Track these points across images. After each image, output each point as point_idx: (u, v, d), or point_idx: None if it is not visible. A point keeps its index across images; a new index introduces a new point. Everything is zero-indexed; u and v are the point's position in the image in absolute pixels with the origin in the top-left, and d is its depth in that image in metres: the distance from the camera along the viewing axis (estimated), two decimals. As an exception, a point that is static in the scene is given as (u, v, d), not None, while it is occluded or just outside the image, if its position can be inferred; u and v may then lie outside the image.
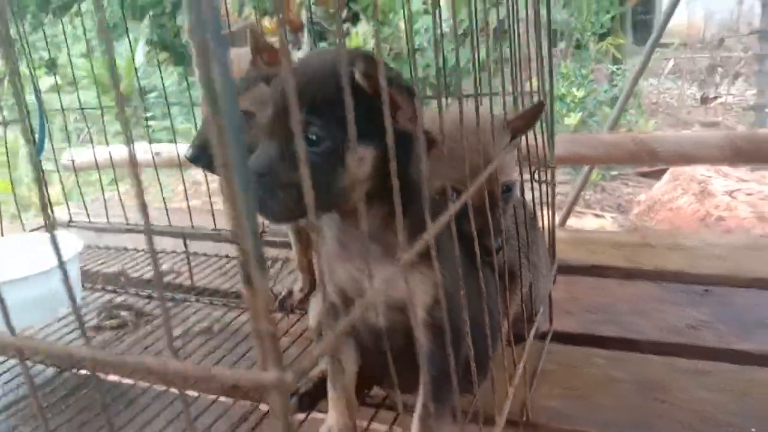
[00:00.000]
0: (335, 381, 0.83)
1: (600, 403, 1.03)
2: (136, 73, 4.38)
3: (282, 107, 0.66)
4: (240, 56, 0.99)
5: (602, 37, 5.40)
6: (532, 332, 0.98)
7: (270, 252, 1.56)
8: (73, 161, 1.89)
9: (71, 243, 1.29)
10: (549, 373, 1.10)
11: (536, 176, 1.08)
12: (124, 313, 1.48)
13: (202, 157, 0.95)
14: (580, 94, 4.71)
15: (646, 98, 6.67)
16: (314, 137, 0.65)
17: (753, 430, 0.96)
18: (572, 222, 3.50)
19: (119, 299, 1.50)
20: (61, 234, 1.34)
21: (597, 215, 4.17)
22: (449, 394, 0.75)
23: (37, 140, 1.56)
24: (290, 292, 1.29)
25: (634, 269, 1.50)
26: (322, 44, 5.85)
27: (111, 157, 1.74)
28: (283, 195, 0.64)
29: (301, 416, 0.95)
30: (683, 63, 7.97)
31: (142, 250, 1.64)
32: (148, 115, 6.48)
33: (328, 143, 0.65)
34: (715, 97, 6.53)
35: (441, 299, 0.72)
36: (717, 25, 8.41)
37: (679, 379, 1.08)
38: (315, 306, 0.93)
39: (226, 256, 1.60)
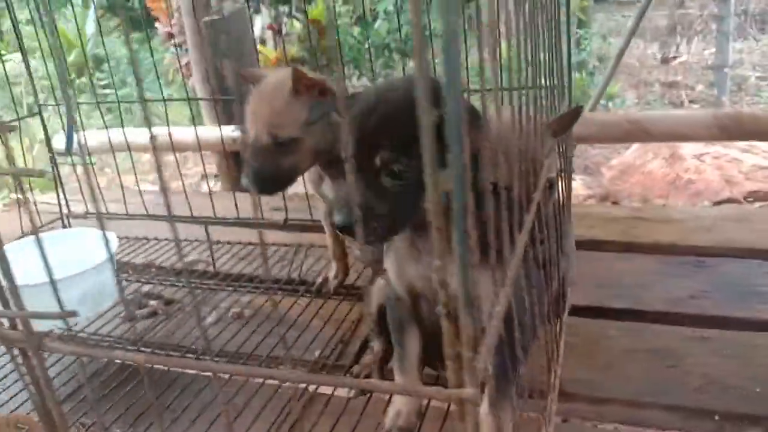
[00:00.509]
0: (402, 365, 0.91)
1: (623, 372, 1.14)
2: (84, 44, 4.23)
3: (363, 144, 0.73)
4: (280, 81, 1.05)
5: None
6: (566, 312, 1.09)
7: (293, 238, 1.62)
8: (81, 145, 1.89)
9: (109, 238, 1.34)
10: (572, 346, 1.20)
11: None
12: (153, 302, 1.54)
13: (258, 187, 1.08)
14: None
15: (607, 59, 6.77)
16: (398, 171, 0.72)
17: (758, 389, 1.09)
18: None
19: (146, 288, 1.55)
20: (97, 231, 1.38)
21: (567, 178, 4.31)
22: (510, 378, 0.85)
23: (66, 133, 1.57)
24: (326, 279, 1.36)
25: (630, 243, 1.61)
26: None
27: (110, 141, 1.76)
28: (377, 225, 0.74)
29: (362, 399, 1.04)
30: (643, 22, 8.11)
31: (165, 239, 1.68)
32: (103, 83, 6.33)
33: (412, 175, 0.72)
34: (675, 57, 6.70)
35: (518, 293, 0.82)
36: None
37: (688, 347, 1.20)
38: (376, 294, 1.02)
39: (249, 243, 1.66)
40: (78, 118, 1.66)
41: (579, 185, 4.19)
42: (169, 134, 1.53)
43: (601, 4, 8.34)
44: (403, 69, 6.03)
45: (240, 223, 1.58)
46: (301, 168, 1.10)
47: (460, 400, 0.44)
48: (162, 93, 1.70)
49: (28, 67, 1.58)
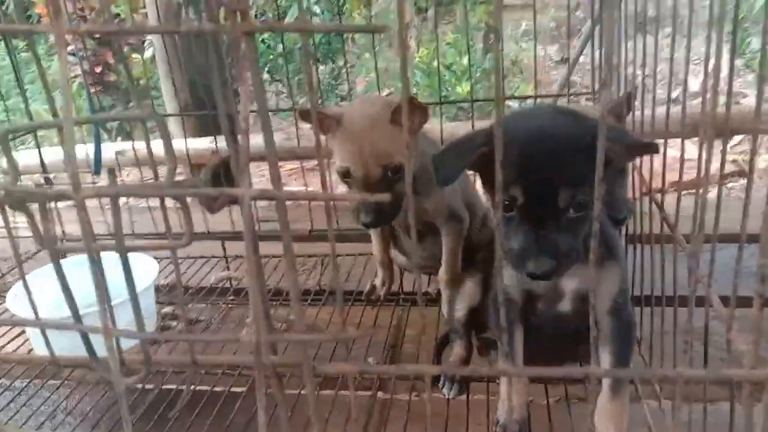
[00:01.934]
0: (513, 360, 0.96)
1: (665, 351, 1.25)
2: None
3: (541, 191, 0.76)
4: (376, 113, 1.08)
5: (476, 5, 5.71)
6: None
7: (316, 248, 1.62)
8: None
9: (150, 264, 1.29)
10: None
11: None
12: (174, 323, 1.49)
13: (377, 222, 1.09)
14: (465, 62, 4.99)
15: (506, 61, 7.08)
16: (581, 203, 0.76)
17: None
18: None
19: (167, 309, 1.49)
20: (139, 255, 1.32)
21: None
22: (629, 363, 0.93)
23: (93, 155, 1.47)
24: (374, 287, 1.38)
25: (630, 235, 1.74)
26: None
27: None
28: (567, 261, 0.78)
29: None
30: (531, 25, 8.55)
31: (182, 258, 1.62)
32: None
33: (590, 201, 0.76)
34: (569, 57, 7.13)
35: (626, 288, 0.90)
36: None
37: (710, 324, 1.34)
38: (466, 298, 1.07)
39: (265, 256, 1.63)
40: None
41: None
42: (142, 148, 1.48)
43: (509, 11, 8.72)
44: (317, 73, 6.07)
45: (264, 236, 1.55)
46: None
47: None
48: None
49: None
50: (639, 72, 1.13)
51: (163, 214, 0.54)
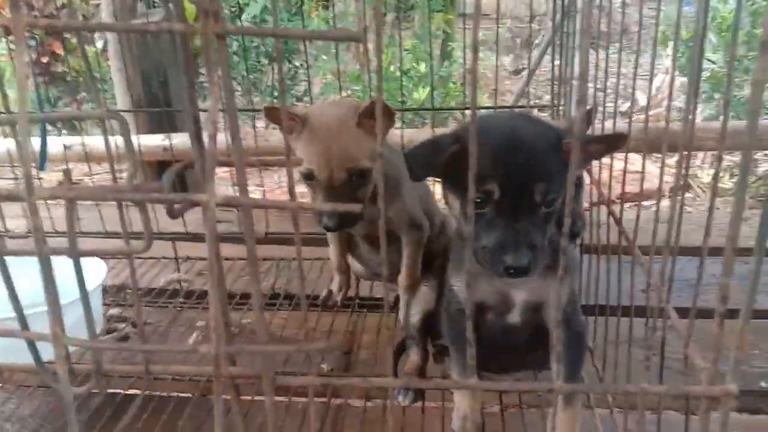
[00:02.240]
0: (464, 372, 0.97)
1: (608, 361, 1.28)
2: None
3: (517, 187, 0.77)
4: (342, 116, 1.07)
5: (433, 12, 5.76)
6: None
7: (271, 251, 1.60)
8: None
9: (97, 266, 1.25)
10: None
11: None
12: (122, 326, 1.44)
13: (339, 226, 1.07)
14: (422, 69, 5.02)
15: (462, 71, 7.13)
16: (554, 200, 0.79)
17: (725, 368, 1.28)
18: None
19: (113, 311, 1.45)
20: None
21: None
22: (580, 373, 0.95)
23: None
24: (330, 292, 1.37)
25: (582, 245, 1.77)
26: None
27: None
28: (541, 257, 0.79)
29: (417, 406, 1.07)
30: (489, 35, 8.69)
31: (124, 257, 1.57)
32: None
33: (559, 200, 0.79)
34: (524, 68, 7.27)
35: (575, 299, 0.92)
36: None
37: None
38: (421, 305, 1.07)
39: (225, 258, 1.60)
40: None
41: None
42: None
43: (466, 20, 8.80)
44: (272, 72, 6.00)
45: (222, 237, 1.52)
46: (369, 195, 1.13)
47: (727, 393, 0.51)
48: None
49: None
50: (591, 86, 1.15)
51: (120, 220, 0.51)
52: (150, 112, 2.05)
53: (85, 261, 1.25)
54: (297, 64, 6.34)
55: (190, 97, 0.47)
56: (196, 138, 0.47)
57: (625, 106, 6.24)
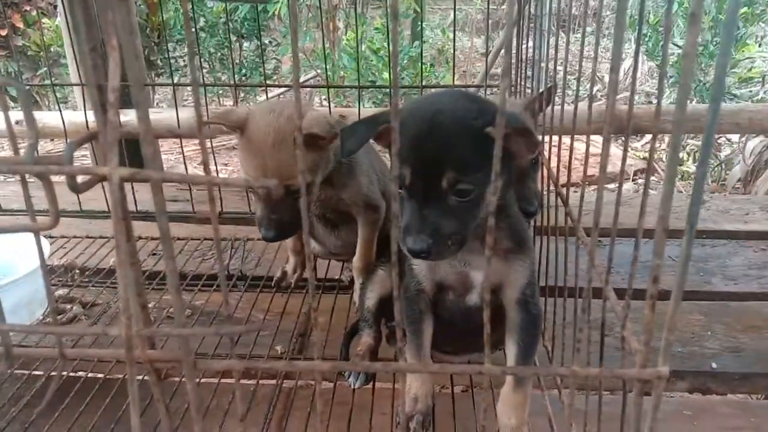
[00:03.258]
0: (417, 352, 0.95)
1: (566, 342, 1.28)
2: None
3: (426, 168, 0.76)
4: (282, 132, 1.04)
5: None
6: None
7: (230, 230, 1.56)
8: None
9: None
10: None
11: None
12: (69, 306, 1.40)
13: (278, 236, 1.07)
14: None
15: (434, 51, 7.09)
16: (464, 189, 0.76)
17: (679, 349, 1.29)
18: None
19: (61, 291, 1.40)
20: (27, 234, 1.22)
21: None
22: (533, 355, 0.94)
23: None
24: (285, 273, 1.34)
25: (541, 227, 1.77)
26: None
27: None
28: (450, 243, 0.78)
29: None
30: (461, 16, 8.65)
31: (74, 237, 1.52)
32: None
33: (476, 189, 0.77)
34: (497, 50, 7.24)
35: (534, 281, 0.90)
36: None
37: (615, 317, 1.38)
38: (377, 287, 1.05)
39: (176, 239, 1.56)
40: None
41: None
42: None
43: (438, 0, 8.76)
44: (241, 49, 5.89)
45: (172, 216, 1.49)
46: (312, 201, 1.13)
47: (659, 376, 0.50)
48: None
49: None
50: (560, 68, 1.13)
51: (24, 192, 0.48)
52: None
53: (26, 239, 1.21)
54: (266, 41, 6.24)
55: (93, 63, 0.43)
56: (101, 108, 0.44)
57: (594, 90, 6.30)
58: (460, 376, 1.11)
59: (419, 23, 5.50)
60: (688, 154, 4.22)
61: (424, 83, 4.78)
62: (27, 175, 0.45)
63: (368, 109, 2.78)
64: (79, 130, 1.81)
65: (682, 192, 3.65)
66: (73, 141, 0.43)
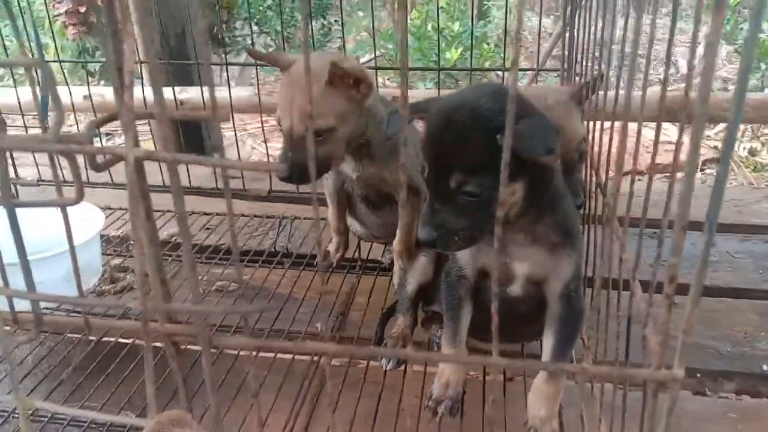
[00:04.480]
0: (453, 339, 0.95)
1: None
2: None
3: (438, 166, 0.78)
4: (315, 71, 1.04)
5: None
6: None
7: (274, 209, 1.60)
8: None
9: (95, 215, 1.26)
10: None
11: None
12: (123, 275, 1.46)
13: (294, 178, 1.06)
14: (456, 28, 4.90)
15: (501, 32, 6.94)
16: (473, 191, 0.77)
17: (728, 349, 1.24)
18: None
19: (116, 261, 1.47)
20: (84, 206, 1.29)
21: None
22: (571, 350, 0.93)
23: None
24: (327, 253, 1.36)
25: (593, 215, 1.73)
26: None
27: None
28: (457, 238, 0.80)
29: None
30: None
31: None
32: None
33: (485, 192, 0.76)
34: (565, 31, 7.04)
35: (579, 275, 0.89)
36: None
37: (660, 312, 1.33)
38: (417, 273, 1.06)
39: (217, 214, 1.60)
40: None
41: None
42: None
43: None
44: (310, 30, 5.93)
45: (220, 193, 1.54)
46: (336, 156, 1.11)
47: (673, 378, 0.49)
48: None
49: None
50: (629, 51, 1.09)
51: (52, 170, 0.51)
52: (166, 66, 2.04)
53: (83, 210, 1.26)
54: (332, 20, 6.26)
55: (114, 46, 0.45)
56: (121, 88, 0.45)
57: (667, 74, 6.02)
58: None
59: (485, 3, 5.39)
60: (763, 144, 4.00)
61: (488, 64, 4.69)
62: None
63: (429, 91, 2.78)
64: (140, 106, 1.87)
65: (753, 185, 3.48)
66: (93, 120, 0.45)
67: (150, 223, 0.49)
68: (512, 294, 0.90)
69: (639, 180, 3.40)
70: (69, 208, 1.38)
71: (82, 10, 5.31)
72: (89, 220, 1.24)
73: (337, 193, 1.28)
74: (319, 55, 1.10)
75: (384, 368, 1.07)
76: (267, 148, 2.33)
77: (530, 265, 0.87)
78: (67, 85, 1.89)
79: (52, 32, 2.37)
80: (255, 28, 5.92)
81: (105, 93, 1.96)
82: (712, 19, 0.39)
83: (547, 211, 0.84)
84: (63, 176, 1.52)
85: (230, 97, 1.61)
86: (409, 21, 5.44)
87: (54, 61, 1.88)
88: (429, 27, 5.04)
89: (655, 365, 0.51)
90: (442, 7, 5.08)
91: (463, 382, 0.98)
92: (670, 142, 3.44)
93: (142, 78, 1.93)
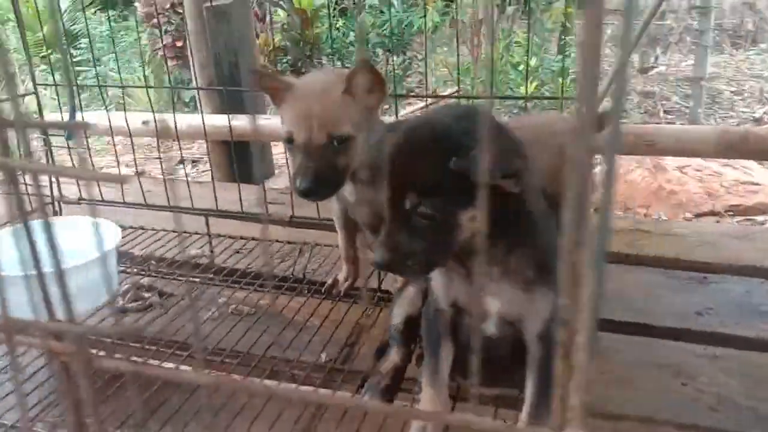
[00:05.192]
0: (433, 377, 0.89)
1: (636, 386, 1.14)
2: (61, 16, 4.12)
3: (394, 187, 0.76)
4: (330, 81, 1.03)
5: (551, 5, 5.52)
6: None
7: (297, 235, 1.59)
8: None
9: (111, 231, 1.28)
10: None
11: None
12: (148, 295, 1.48)
13: (315, 191, 1.04)
14: (533, 63, 4.82)
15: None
16: (427, 213, 0.73)
17: (769, 411, 1.10)
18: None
19: (143, 281, 1.49)
20: (101, 221, 1.32)
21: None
22: (551, 395, 0.84)
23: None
24: (336, 281, 1.33)
25: (635, 255, 1.61)
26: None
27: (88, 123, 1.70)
28: (412, 263, 0.77)
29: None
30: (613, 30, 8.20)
31: (163, 230, 1.62)
32: (78, 59, 6.14)
33: (440, 214, 0.73)
34: (653, 67, 6.79)
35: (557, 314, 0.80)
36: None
37: (699, 364, 1.21)
38: (405, 304, 1.01)
39: (252, 239, 1.61)
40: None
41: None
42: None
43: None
44: (387, 63, 6.02)
45: (243, 216, 1.54)
46: (352, 168, 1.08)
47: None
48: (144, 75, 1.66)
49: (26, 47, 1.51)
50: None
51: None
52: (219, 93, 2.10)
53: (99, 227, 1.29)
54: (411, 55, 6.34)
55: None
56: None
57: (760, 111, 5.66)
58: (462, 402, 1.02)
59: (563, 37, 5.28)
60: None
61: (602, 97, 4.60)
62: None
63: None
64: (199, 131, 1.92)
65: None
66: None
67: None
68: (487, 332, 0.84)
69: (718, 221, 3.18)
70: (84, 224, 1.40)
71: (179, 44, 5.64)
72: (105, 235, 1.27)
73: (343, 218, 1.26)
74: (326, 71, 1.10)
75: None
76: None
77: (503, 302, 0.81)
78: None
79: (143, 63, 2.51)
80: (338, 63, 6.09)
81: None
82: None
83: (521, 242, 0.78)
84: (102, 195, 1.56)
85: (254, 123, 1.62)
86: (484, 55, 5.41)
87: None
88: (504, 61, 4.99)
89: (554, 424, 0.44)
90: (516, 42, 5.02)
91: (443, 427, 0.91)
92: (754, 183, 3.20)
93: (200, 104, 2.00)
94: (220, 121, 2.08)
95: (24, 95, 1.65)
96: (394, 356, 1.06)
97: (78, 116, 1.54)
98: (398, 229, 0.76)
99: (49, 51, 2.24)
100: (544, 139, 0.91)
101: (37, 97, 1.57)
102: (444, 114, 0.77)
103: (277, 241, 1.57)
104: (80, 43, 6.40)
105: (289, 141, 1.03)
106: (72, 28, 6.28)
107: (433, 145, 0.73)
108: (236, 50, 2.18)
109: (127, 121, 1.86)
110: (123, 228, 1.62)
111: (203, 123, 1.72)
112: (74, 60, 6.08)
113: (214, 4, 2.04)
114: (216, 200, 1.53)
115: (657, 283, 1.50)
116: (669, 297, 1.43)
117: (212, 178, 1.50)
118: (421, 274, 0.82)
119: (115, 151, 1.86)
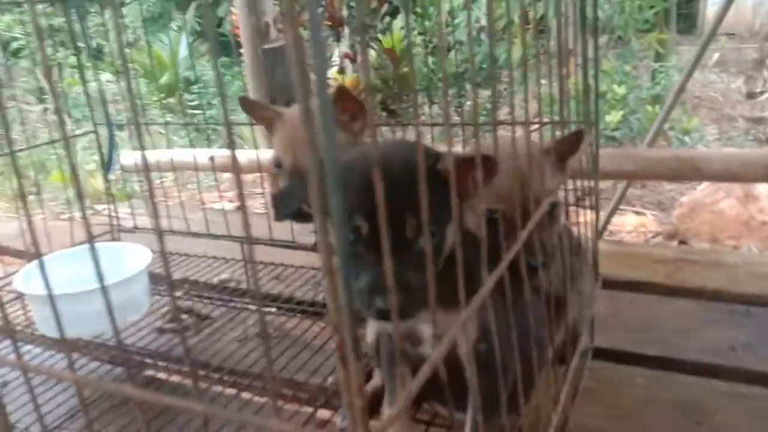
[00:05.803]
0: (390, 399, 0.89)
1: (641, 424, 1.07)
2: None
3: (391, 218, 0.69)
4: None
5: (645, 32, 5.33)
6: (576, 356, 1.03)
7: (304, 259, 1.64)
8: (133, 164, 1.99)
9: (143, 253, 1.39)
10: (591, 392, 1.14)
11: (581, 201, 1.12)
12: (185, 317, 1.58)
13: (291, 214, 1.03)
14: (621, 91, 4.67)
15: (689, 93, 6.50)
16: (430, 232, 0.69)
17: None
18: (613, 219, 3.44)
19: (183, 303, 1.59)
20: (133, 245, 1.44)
21: (637, 212, 4.15)
22: (495, 416, 0.82)
23: (105, 156, 1.65)
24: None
25: (675, 286, 1.52)
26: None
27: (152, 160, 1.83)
28: (418, 298, 0.69)
29: None
30: (729, 55, 7.77)
31: (204, 256, 1.73)
32: (194, 103, 6.61)
33: (437, 235, 0.72)
34: (762, 92, 6.37)
35: (489, 334, 0.79)
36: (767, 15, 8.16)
37: (719, 403, 1.12)
38: (372, 326, 1.01)
39: (281, 264, 1.68)
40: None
41: (650, 221, 4.02)
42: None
43: (685, 36, 8.06)
44: (476, 96, 6.02)
45: (273, 243, 1.62)
46: None
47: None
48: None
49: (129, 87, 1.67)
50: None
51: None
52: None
53: (130, 247, 1.40)
54: (501, 88, 6.32)
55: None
56: None
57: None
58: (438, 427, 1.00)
59: (657, 64, 5.09)
60: None
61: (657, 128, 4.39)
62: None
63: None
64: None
65: None
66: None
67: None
68: (425, 355, 0.83)
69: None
70: (118, 248, 1.53)
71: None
72: (135, 256, 1.37)
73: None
74: (314, 100, 1.15)
75: (338, 426, 1.03)
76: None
77: (431, 324, 0.80)
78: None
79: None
80: (425, 98, 6.17)
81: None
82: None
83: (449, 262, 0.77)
84: (135, 223, 1.70)
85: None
86: (570, 85, 5.27)
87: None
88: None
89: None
90: (603, 71, 4.88)
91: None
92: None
93: (254, 140, 2.12)
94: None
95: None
96: (376, 378, 1.06)
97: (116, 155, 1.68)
98: (401, 263, 0.66)
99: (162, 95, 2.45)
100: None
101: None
102: (395, 141, 0.78)
103: (302, 267, 1.63)
104: (193, 89, 6.90)
105: (278, 166, 1.09)
106: (187, 75, 6.77)
107: (413, 161, 0.70)
108: (290, 90, 2.28)
109: (195, 158, 2.02)
110: (170, 254, 1.75)
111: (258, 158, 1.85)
112: (189, 103, 6.59)
113: (267, 47, 2.17)
114: (270, 230, 1.62)
115: (692, 316, 1.40)
116: (703, 330, 1.34)
117: (244, 209, 1.58)
118: (412, 313, 0.70)
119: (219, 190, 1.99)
